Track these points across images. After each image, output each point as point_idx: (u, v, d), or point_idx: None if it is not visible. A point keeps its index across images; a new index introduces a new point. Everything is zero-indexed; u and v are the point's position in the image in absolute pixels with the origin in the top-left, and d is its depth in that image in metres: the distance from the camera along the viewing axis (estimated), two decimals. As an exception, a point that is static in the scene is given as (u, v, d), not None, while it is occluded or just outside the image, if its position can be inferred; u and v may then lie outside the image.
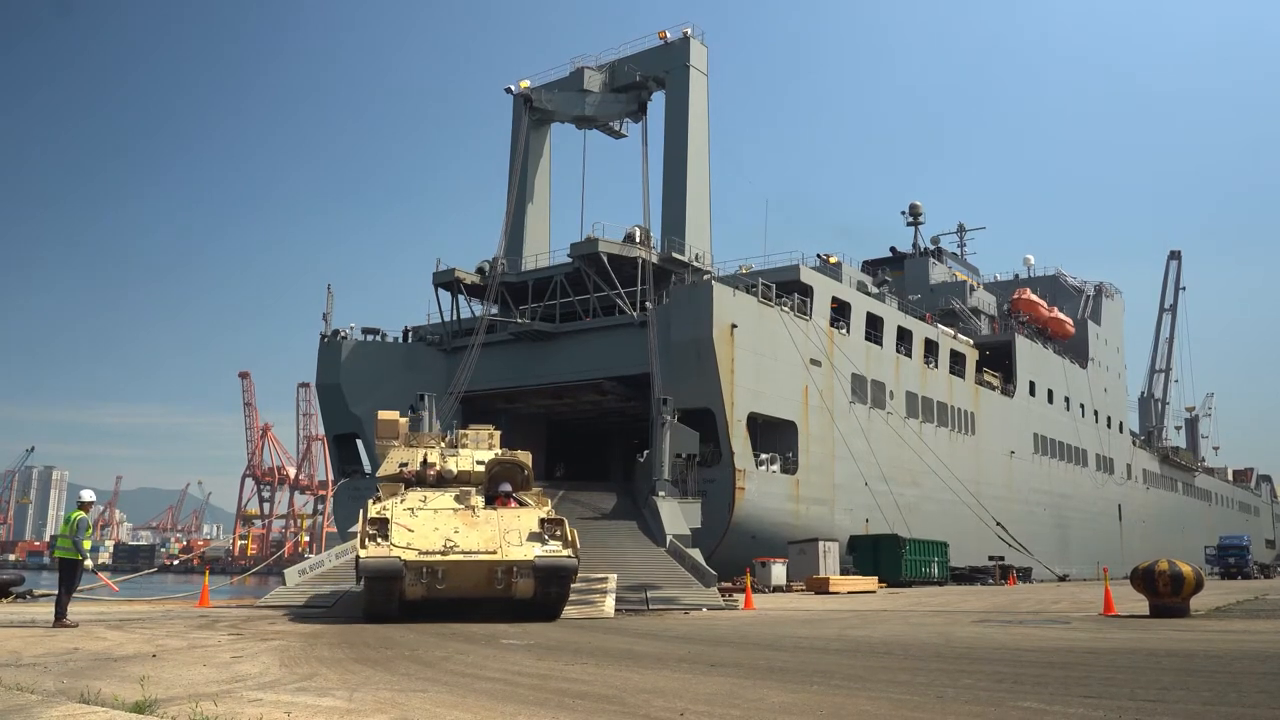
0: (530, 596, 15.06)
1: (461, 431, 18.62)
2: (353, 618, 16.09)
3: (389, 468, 18.07)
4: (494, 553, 14.99)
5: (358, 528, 16.08)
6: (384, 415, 19.54)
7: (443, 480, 17.56)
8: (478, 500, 16.34)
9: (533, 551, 15.10)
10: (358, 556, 14.61)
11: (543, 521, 15.67)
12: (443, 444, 18.70)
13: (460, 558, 14.84)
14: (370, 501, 19.40)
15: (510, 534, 15.35)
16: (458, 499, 16.35)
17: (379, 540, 14.79)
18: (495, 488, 17.03)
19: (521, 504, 16.78)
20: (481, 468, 17.71)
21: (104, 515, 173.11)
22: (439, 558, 14.74)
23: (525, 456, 18.19)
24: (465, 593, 15.02)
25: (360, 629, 13.73)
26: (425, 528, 15.18)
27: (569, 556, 15.18)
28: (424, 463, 17.90)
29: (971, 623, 15.21)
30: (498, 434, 18.90)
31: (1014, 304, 65.67)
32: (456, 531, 15.24)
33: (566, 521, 15.96)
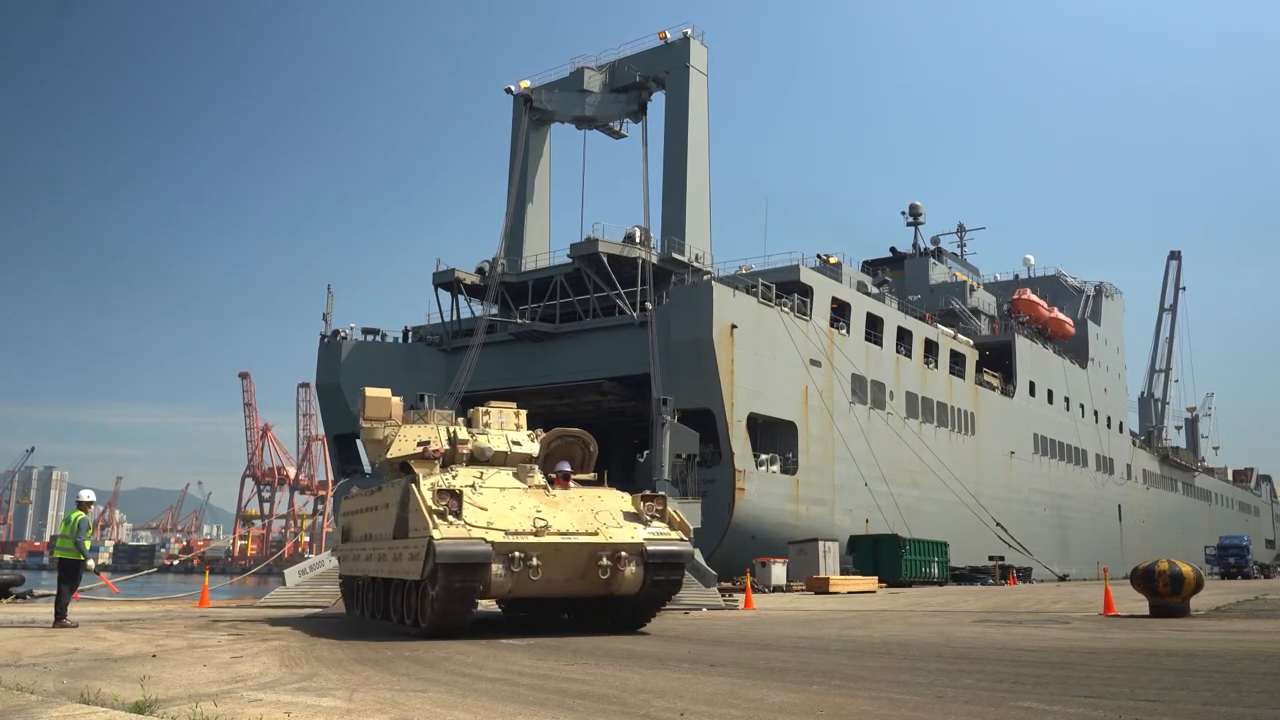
0: (636, 590, 12.59)
1: (482, 409, 15.71)
2: (349, 621, 15.99)
3: (403, 447, 14.88)
4: (595, 534, 12.38)
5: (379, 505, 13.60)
6: (373, 393, 16.42)
7: (475, 461, 14.45)
8: (540, 478, 13.70)
9: (639, 534, 12.69)
10: (430, 541, 11.38)
11: (643, 499, 13.30)
12: (458, 423, 15.87)
13: (557, 539, 12.09)
14: (344, 498, 18.46)
15: (601, 515, 12.86)
16: (517, 476, 13.67)
17: (451, 518, 11.73)
18: (554, 467, 14.24)
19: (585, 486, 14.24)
20: (520, 448, 14.81)
21: (104, 515, 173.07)
22: (532, 539, 11.92)
23: (586, 434, 15.65)
24: (557, 587, 12.32)
25: (360, 629, 13.71)
26: (500, 505, 12.37)
27: (681, 540, 13.04)
28: (453, 440, 14.74)
29: (971, 623, 15.21)
30: (523, 413, 16.08)
31: (1014, 304, 65.69)
32: (539, 511, 12.50)
33: (669, 499, 13.80)
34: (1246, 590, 30.06)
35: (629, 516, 12.99)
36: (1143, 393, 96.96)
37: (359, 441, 46.60)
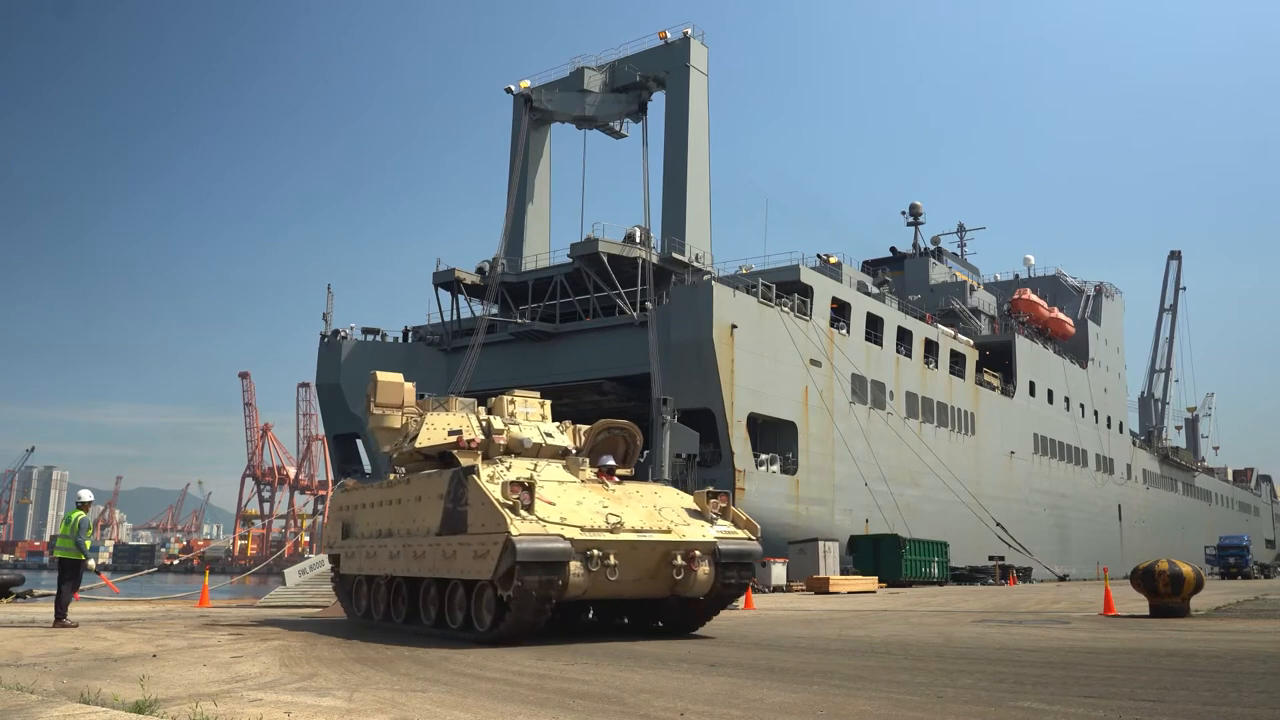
0: (706, 591, 11.97)
1: (506, 398, 14.54)
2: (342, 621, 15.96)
3: (433, 435, 13.69)
4: (668, 532, 11.65)
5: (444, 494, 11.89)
6: (384, 377, 15.33)
7: (511, 453, 13.32)
8: (590, 472, 12.76)
9: (710, 532, 12.04)
10: (508, 538, 10.38)
11: (708, 495, 12.58)
12: (479, 412, 14.61)
13: (633, 537, 11.28)
14: (338, 493, 16.50)
15: (665, 512, 12.10)
16: (567, 469, 12.70)
17: (524, 513, 10.79)
18: (599, 460, 13.19)
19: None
20: (552, 440, 13.77)
21: (104, 515, 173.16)
22: (608, 536, 11.10)
23: (633, 426, 14.54)
24: (628, 588, 11.43)
25: (360, 628, 13.71)
26: (566, 500, 11.48)
27: (749, 539, 12.36)
28: (487, 429, 13.59)
29: (971, 623, 15.21)
30: (548, 403, 15.00)
31: (1014, 304, 65.70)
32: (605, 506, 11.63)
33: (730, 497, 13.08)
34: (1246, 590, 30.05)
35: (693, 514, 12.34)
36: (1143, 393, 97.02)
37: (359, 441, 47.11)
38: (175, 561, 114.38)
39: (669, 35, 49.44)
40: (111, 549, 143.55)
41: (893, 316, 49.10)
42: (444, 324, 48.09)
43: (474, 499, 11.30)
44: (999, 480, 55.44)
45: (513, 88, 52.75)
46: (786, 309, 40.86)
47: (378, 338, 48.16)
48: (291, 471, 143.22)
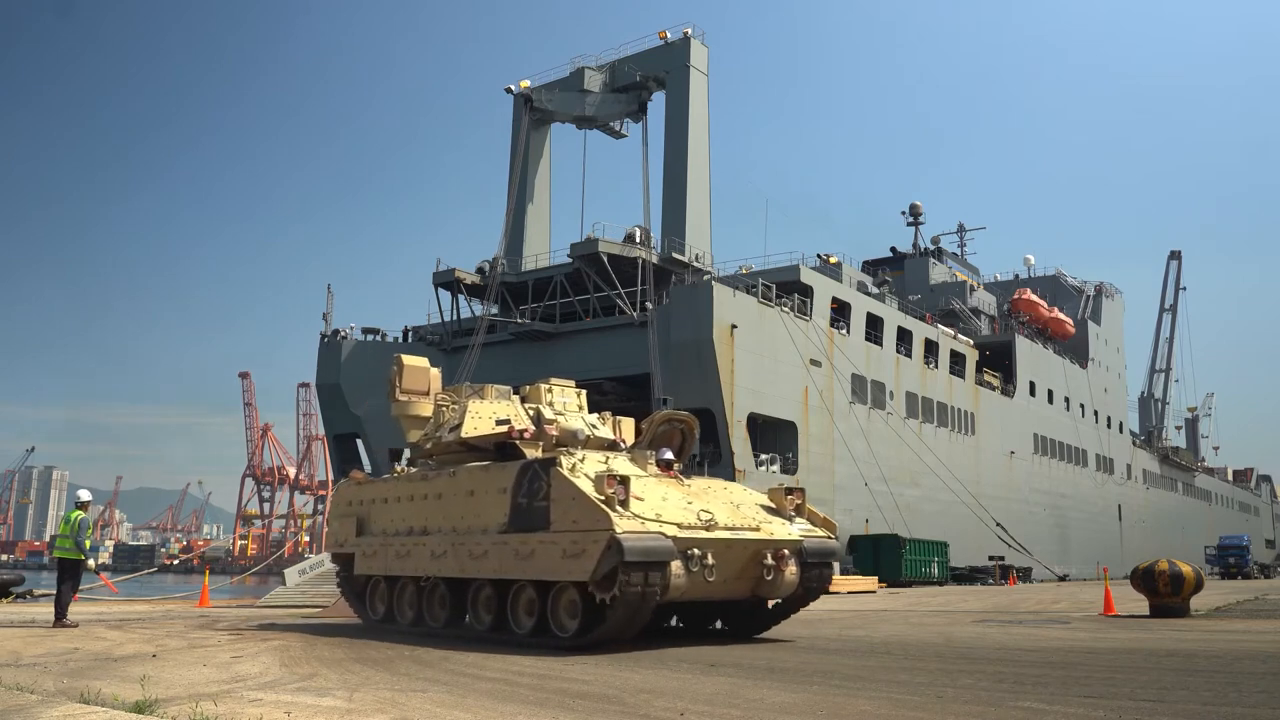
0: (791, 592, 11.45)
1: (544, 386, 13.66)
2: (350, 621, 15.94)
3: (479, 425, 12.81)
4: (757, 530, 11.04)
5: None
6: (411, 361, 14.38)
7: (561, 446, 12.28)
8: (654, 466, 11.86)
9: (793, 530, 11.46)
10: (613, 535, 9.65)
11: (785, 492, 12.02)
12: (513, 400, 13.68)
13: (727, 535, 10.67)
14: (347, 486, 15.19)
15: (743, 509, 11.48)
16: (634, 463, 11.77)
17: (620, 508, 10.06)
18: (658, 454, 12.21)
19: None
20: (598, 432, 13.05)
21: (104, 515, 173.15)
22: (704, 534, 10.47)
23: (692, 418, 13.50)
24: (718, 589, 10.73)
25: (359, 627, 13.71)
26: (653, 496, 10.77)
27: (830, 538, 11.82)
28: (538, 419, 12.81)
29: (971, 623, 15.20)
30: (583, 393, 14.11)
31: (1014, 304, 65.70)
32: (690, 503, 10.92)
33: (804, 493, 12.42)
34: (1246, 590, 30.05)
35: (770, 511, 11.69)
36: (1143, 393, 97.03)
37: (359, 441, 47.11)
38: (175, 561, 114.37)
39: (669, 35, 49.46)
40: (111, 549, 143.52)
41: (893, 316, 49.10)
42: (444, 324, 48.10)
43: (560, 493, 10.50)
44: (999, 480, 55.45)
45: (513, 88, 52.76)
46: (786, 309, 40.86)
47: (378, 338, 48.15)
48: (291, 471, 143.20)
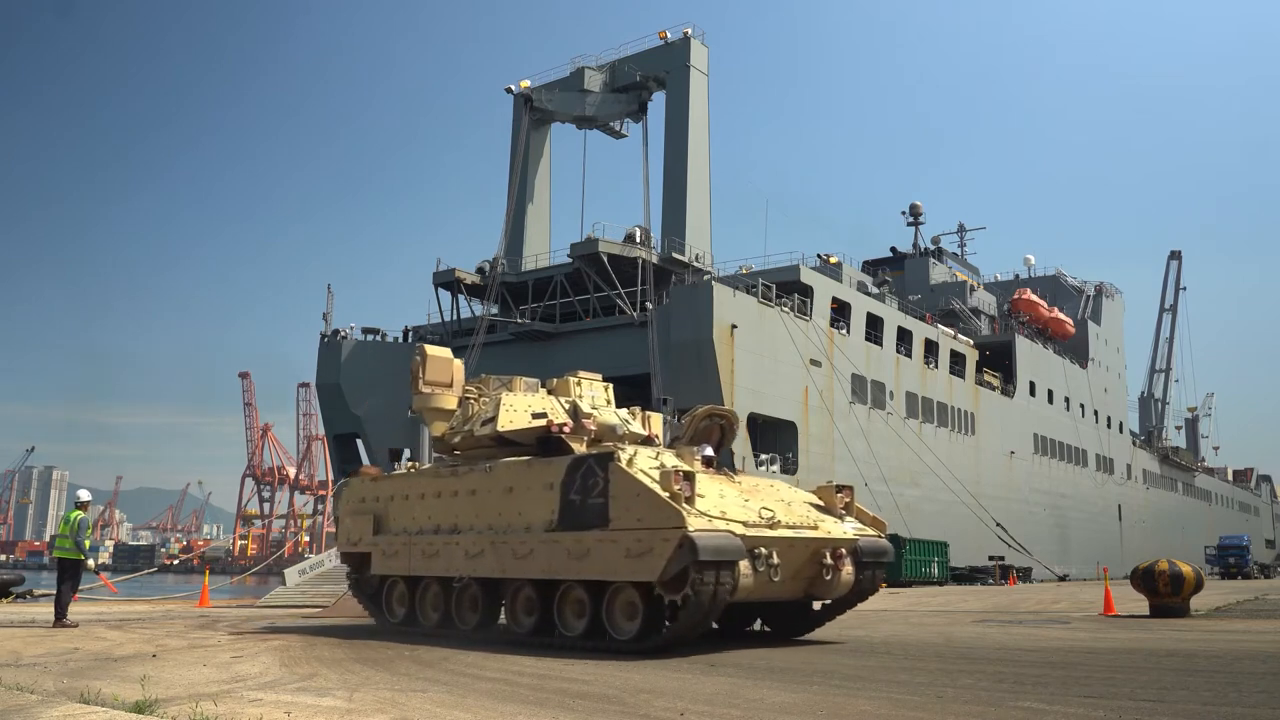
0: (846, 592, 11.17)
1: (573, 379, 13.29)
2: (354, 622, 15.92)
3: (515, 419, 12.32)
4: (815, 528, 10.75)
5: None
6: (434, 352, 13.89)
7: (600, 441, 12.15)
8: (700, 463, 11.37)
9: (848, 529, 11.20)
10: (685, 534, 9.34)
11: (836, 489, 11.72)
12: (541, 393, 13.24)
13: (790, 534, 10.37)
14: (360, 481, 14.55)
15: (794, 506, 11.17)
16: (681, 459, 11.27)
17: (686, 505, 9.68)
18: (700, 450, 11.76)
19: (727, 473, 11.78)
20: (631, 427, 12.77)
21: (104, 515, 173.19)
22: (768, 533, 10.16)
23: (733, 414, 12.98)
24: (776, 590, 10.38)
25: (360, 628, 13.71)
26: (711, 493, 10.41)
27: (881, 537, 11.56)
28: (575, 413, 12.39)
29: (971, 623, 15.20)
30: (610, 386, 13.78)
31: (1014, 304, 65.70)
32: (747, 501, 10.57)
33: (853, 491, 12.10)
34: (1246, 590, 30.05)
35: (820, 509, 11.37)
36: (1143, 393, 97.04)
37: (359, 441, 47.08)
38: (175, 561, 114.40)
39: (669, 35, 49.48)
40: (111, 549, 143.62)
41: (893, 316, 49.10)
42: (444, 324, 48.11)
43: (621, 489, 10.11)
44: (999, 480, 55.44)
45: (513, 88, 52.77)
46: (786, 309, 40.86)
47: (378, 338, 48.15)
48: (291, 471, 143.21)
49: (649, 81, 49.59)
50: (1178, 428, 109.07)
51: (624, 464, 10.25)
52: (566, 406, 12.60)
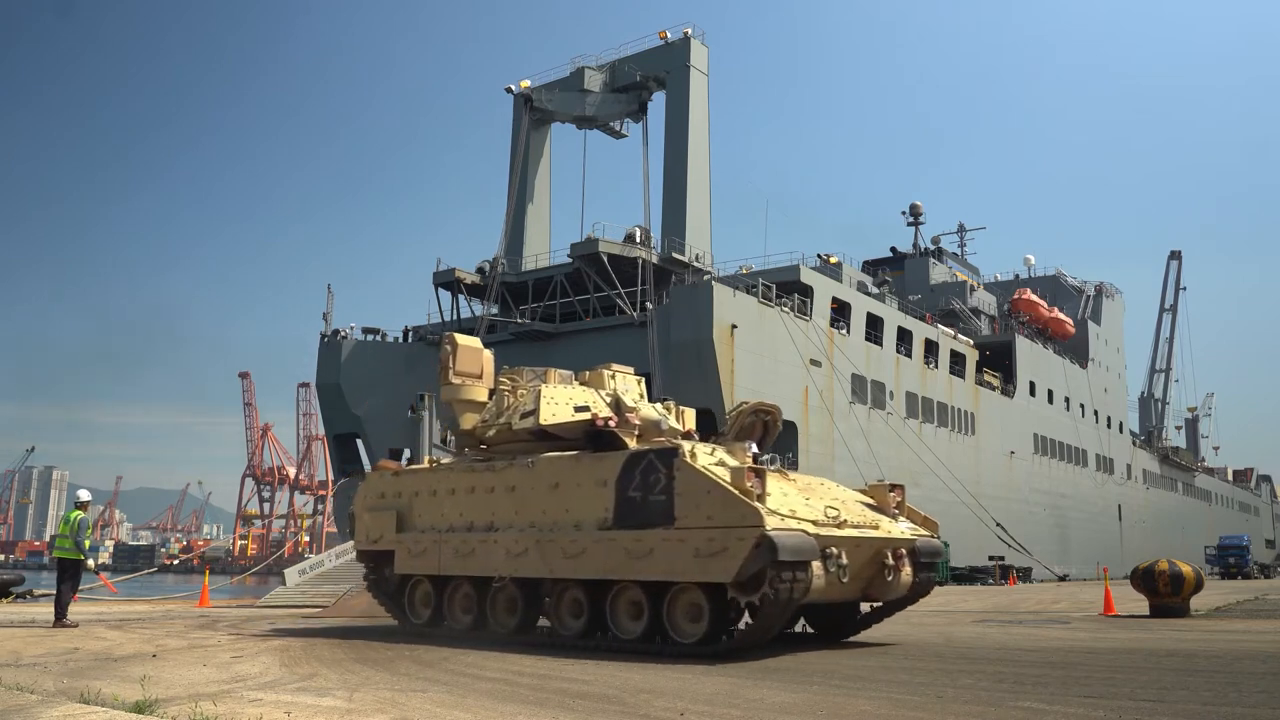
0: (904, 593, 10.86)
1: (606, 371, 12.86)
2: (357, 623, 15.89)
3: (557, 412, 11.86)
4: (876, 528, 10.51)
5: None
6: (465, 341, 13.41)
7: (642, 436, 11.76)
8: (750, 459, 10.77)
9: (904, 528, 10.95)
10: (763, 533, 8.99)
11: (889, 488, 11.49)
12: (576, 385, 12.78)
13: (854, 533, 10.11)
14: (380, 476, 13.82)
15: (848, 505, 10.87)
16: (732, 454, 10.82)
17: (760, 505, 9.31)
18: (748, 446, 11.24)
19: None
20: (669, 422, 12.42)
21: (104, 515, 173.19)
22: (836, 532, 9.89)
23: (777, 408, 12.67)
24: (842, 591, 10.13)
25: (359, 627, 13.70)
26: (775, 491, 10.00)
27: (935, 537, 11.32)
28: (618, 406, 12.01)
29: (971, 623, 15.20)
30: (642, 379, 13.36)
31: (1014, 304, 65.69)
32: (807, 500, 10.30)
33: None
34: (1246, 590, 30.05)
35: (872, 509, 11.10)
36: (1143, 393, 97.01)
37: (359, 441, 47.05)
38: (175, 561, 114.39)
39: (669, 35, 49.47)
40: (111, 549, 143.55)
41: (893, 316, 49.09)
42: (444, 324, 48.08)
43: (688, 486, 9.73)
44: (999, 480, 55.43)
45: (513, 88, 52.76)
46: (786, 309, 40.86)
47: (378, 338, 48.15)
48: (291, 471, 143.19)
49: (649, 81, 49.57)
50: (1178, 428, 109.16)
51: (691, 460, 9.87)
52: (607, 400, 12.17)
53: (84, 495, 15.06)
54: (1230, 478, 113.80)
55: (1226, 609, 18.43)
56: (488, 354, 13.58)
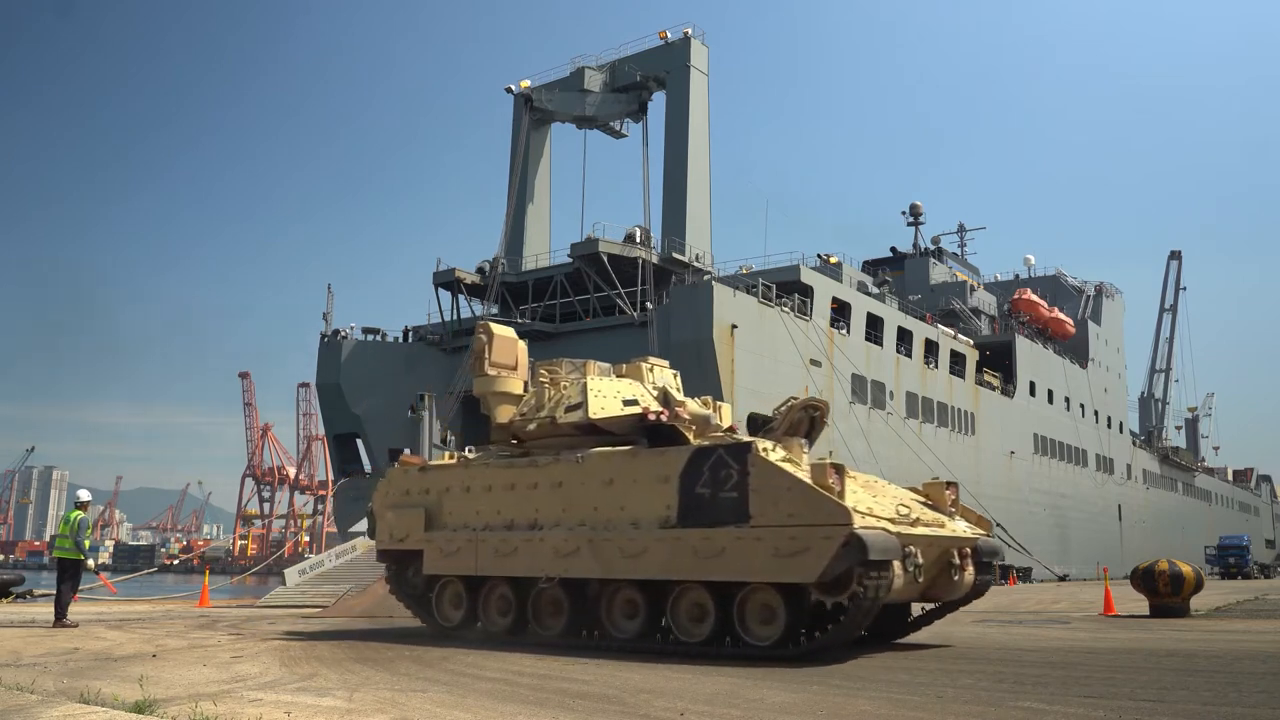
0: (965, 593, 10.69)
1: (645, 364, 12.52)
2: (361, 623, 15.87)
3: (607, 405, 11.44)
4: (942, 526, 10.30)
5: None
6: (501, 330, 12.97)
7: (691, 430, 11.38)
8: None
9: (964, 527, 10.71)
10: (852, 531, 8.76)
11: (946, 486, 11.28)
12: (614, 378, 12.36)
13: (927, 532, 9.86)
14: (403, 472, 13.30)
15: (913, 504, 10.62)
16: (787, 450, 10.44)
17: (836, 498, 9.08)
18: (803, 442, 10.89)
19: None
20: (714, 418, 11.87)
21: (104, 515, 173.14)
22: (909, 530, 9.61)
23: (825, 403, 12.16)
24: (910, 592, 9.98)
25: (357, 626, 13.69)
26: (847, 488, 9.66)
27: (990, 536, 11.13)
28: (666, 401, 11.70)
29: (971, 623, 15.20)
30: (677, 374, 13.25)
31: (1014, 304, 65.66)
32: (875, 499, 10.08)
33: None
34: (1246, 590, 30.06)
35: (930, 508, 10.78)
36: (1143, 393, 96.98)
37: (359, 441, 47.03)
38: (175, 561, 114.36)
39: (669, 35, 49.44)
40: (111, 549, 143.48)
41: (893, 316, 49.08)
42: (444, 324, 48.07)
43: (764, 483, 9.41)
44: (999, 480, 55.42)
45: (513, 88, 52.74)
46: (786, 309, 40.85)
47: (378, 338, 48.14)
48: (291, 471, 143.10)
49: (649, 81, 49.54)
50: (1178, 428, 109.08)
51: (767, 455, 9.52)
52: (655, 393, 11.82)
53: (84, 495, 15.06)
54: (1230, 478, 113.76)
55: (1226, 609, 18.43)
56: (522, 345, 13.12)
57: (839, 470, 9.29)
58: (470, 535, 11.81)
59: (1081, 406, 68.34)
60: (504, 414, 12.43)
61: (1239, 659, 9.36)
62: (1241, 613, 17.47)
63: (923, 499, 11.01)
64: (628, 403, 11.45)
